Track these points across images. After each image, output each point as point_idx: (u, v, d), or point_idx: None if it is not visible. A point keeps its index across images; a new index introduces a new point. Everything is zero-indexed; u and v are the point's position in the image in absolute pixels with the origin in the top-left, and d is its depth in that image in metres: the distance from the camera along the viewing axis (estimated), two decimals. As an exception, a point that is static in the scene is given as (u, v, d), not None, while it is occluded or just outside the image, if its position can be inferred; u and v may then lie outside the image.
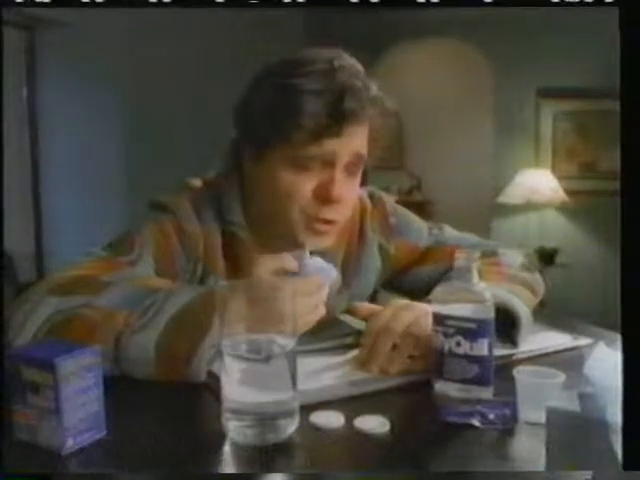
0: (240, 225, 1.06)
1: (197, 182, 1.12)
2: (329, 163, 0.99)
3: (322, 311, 0.86)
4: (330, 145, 0.97)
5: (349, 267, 1.16)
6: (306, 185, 0.99)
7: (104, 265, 0.96)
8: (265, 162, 1.01)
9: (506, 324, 0.96)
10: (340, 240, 1.13)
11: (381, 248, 1.20)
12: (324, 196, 0.99)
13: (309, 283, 0.86)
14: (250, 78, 1.04)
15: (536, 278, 1.14)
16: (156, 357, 0.80)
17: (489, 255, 1.14)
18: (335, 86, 0.95)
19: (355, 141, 0.99)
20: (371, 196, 1.21)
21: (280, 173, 1.00)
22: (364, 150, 1.02)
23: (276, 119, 0.97)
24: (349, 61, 1.00)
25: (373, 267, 1.20)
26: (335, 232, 1.06)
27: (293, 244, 1.02)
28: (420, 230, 1.23)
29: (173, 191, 1.09)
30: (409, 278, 1.23)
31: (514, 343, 0.96)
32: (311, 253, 0.97)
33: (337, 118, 0.95)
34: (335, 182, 0.99)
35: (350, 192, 1.03)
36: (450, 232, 1.25)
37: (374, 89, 1.00)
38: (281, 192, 1.00)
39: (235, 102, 1.05)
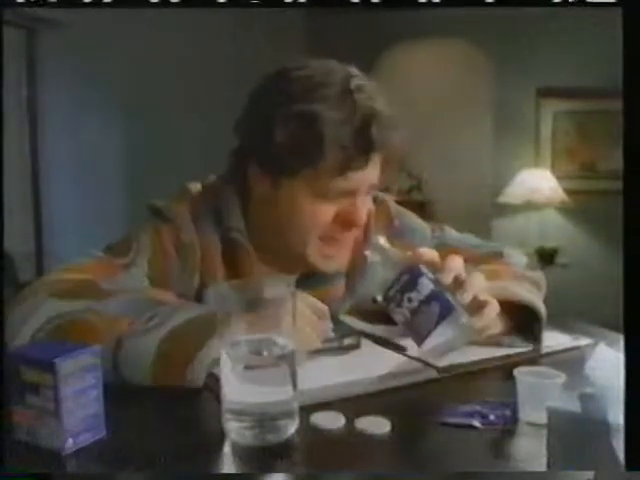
0: (240, 231, 1.04)
1: (196, 187, 1.10)
2: (351, 192, 0.99)
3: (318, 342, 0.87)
4: (355, 177, 0.96)
5: (355, 273, 1.12)
6: (327, 214, 0.99)
7: (100, 268, 0.96)
8: (283, 188, 0.99)
9: (528, 321, 0.97)
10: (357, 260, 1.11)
11: (383, 252, 1.19)
12: (347, 222, 0.99)
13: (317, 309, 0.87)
14: (253, 91, 1.01)
15: (540, 276, 1.14)
16: (155, 361, 0.80)
17: (496, 256, 1.14)
18: (358, 112, 0.93)
19: (376, 169, 1.00)
20: (374, 199, 1.20)
21: (300, 201, 0.99)
22: (377, 174, 1.02)
23: (300, 149, 0.94)
24: (364, 80, 0.98)
25: (378, 271, 1.19)
26: (344, 256, 1.06)
27: (302, 264, 1.04)
28: (423, 231, 1.22)
29: (172, 196, 1.08)
30: None
31: (537, 340, 0.97)
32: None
33: (364, 148, 0.94)
34: (358, 209, 0.99)
35: (366, 214, 1.04)
36: (451, 233, 1.24)
37: (386, 108, 0.97)
38: (300, 219, 1.00)
39: (238, 114, 1.03)
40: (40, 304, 0.86)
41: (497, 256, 1.15)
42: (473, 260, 1.03)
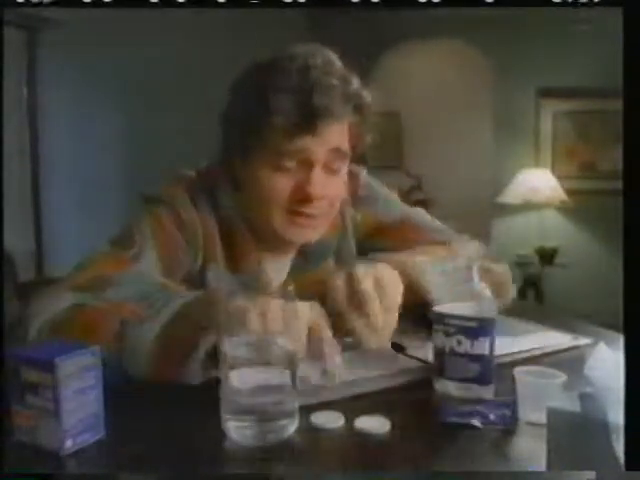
0: (234, 212, 1.07)
1: (190, 172, 1.12)
2: (306, 162, 0.99)
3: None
4: (303, 142, 0.97)
5: (342, 253, 1.17)
6: (285, 185, 1.00)
7: (111, 262, 0.96)
8: (249, 164, 1.03)
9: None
10: (332, 230, 1.14)
11: (353, 220, 1.20)
12: (302, 195, 1.00)
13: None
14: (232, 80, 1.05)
15: (504, 269, 1.09)
16: (154, 352, 0.78)
17: (446, 242, 1.12)
18: (307, 84, 0.95)
19: (332, 138, 0.99)
20: (349, 172, 1.19)
21: (260, 174, 1.01)
22: (344, 146, 1.02)
23: (252, 120, 0.99)
24: (325, 58, 1.00)
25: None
26: (320, 226, 1.06)
27: (280, 239, 1.05)
28: (390, 203, 1.23)
29: (166, 182, 1.10)
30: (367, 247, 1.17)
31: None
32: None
33: (307, 115, 0.95)
34: (312, 181, 0.99)
35: (332, 189, 1.03)
36: (418, 213, 1.23)
37: (355, 85, 1.00)
38: (262, 193, 1.01)
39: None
40: (56, 297, 0.87)
41: (448, 243, 1.11)
42: (424, 242, 1.09)
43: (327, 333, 0.76)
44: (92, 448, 0.67)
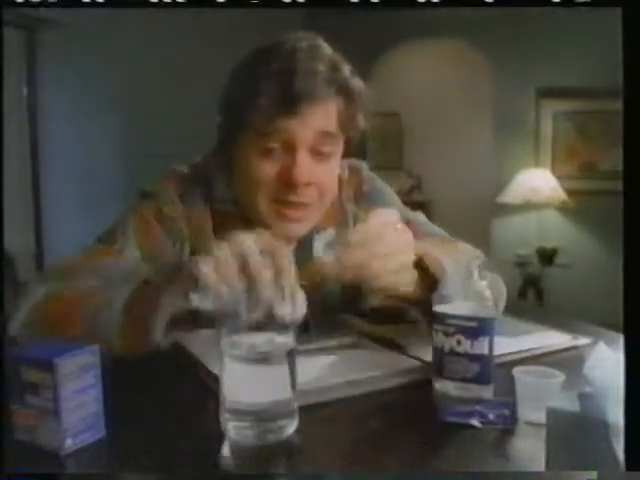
0: (228, 202, 1.08)
1: (183, 167, 1.13)
2: (290, 144, 0.98)
3: None
4: (285, 124, 0.96)
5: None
6: (270, 170, 0.99)
7: (96, 257, 0.98)
8: (239, 148, 1.03)
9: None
10: (327, 222, 1.10)
11: (355, 217, 1.18)
12: (287, 180, 0.98)
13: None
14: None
15: (495, 280, 1.04)
16: (122, 323, 0.80)
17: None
18: (290, 66, 0.95)
19: (315, 120, 0.98)
20: (350, 167, 1.20)
21: (248, 159, 1.01)
22: (332, 129, 1.00)
23: (240, 103, 0.99)
24: (312, 43, 1.00)
25: None
26: (309, 219, 1.04)
27: (263, 228, 1.02)
28: (391, 201, 1.22)
29: (159, 177, 1.11)
30: None
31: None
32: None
33: (288, 96, 0.95)
34: (297, 165, 0.98)
35: (321, 175, 1.01)
36: (418, 216, 1.22)
37: (344, 73, 1.00)
38: (248, 178, 1.01)
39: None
40: (33, 290, 0.90)
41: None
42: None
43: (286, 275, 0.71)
44: (92, 448, 0.67)
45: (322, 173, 1.02)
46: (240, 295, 0.68)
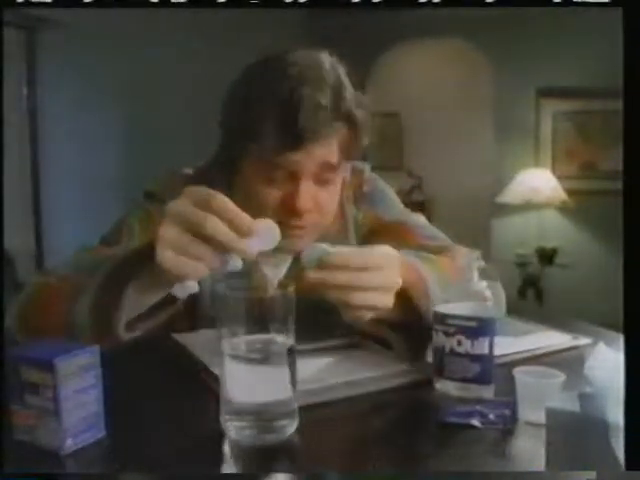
0: None
1: (188, 170, 1.12)
2: (294, 175, 0.98)
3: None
4: (290, 157, 0.95)
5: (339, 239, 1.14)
6: (273, 196, 0.99)
7: (96, 254, 0.97)
8: (240, 171, 1.03)
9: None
10: (333, 230, 1.10)
11: (355, 219, 1.18)
12: (291, 208, 0.98)
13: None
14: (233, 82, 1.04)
15: (495, 287, 1.01)
16: (90, 319, 0.79)
17: (442, 249, 1.09)
18: (295, 102, 0.93)
19: (320, 153, 0.97)
20: (353, 168, 1.19)
21: (249, 182, 1.01)
22: (334, 159, 0.99)
23: (240, 130, 0.98)
24: (318, 72, 0.97)
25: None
26: (310, 235, 1.04)
27: None
28: (391, 203, 1.22)
29: (163, 179, 1.11)
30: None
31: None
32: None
33: (292, 134, 0.93)
34: (301, 193, 0.97)
35: (323, 200, 1.01)
36: (419, 218, 1.22)
37: (347, 102, 0.97)
38: (249, 200, 0.99)
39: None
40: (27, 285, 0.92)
41: (443, 250, 1.08)
42: (418, 246, 1.03)
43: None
44: (92, 448, 0.67)
45: (325, 198, 1.02)
46: (210, 256, 0.69)
